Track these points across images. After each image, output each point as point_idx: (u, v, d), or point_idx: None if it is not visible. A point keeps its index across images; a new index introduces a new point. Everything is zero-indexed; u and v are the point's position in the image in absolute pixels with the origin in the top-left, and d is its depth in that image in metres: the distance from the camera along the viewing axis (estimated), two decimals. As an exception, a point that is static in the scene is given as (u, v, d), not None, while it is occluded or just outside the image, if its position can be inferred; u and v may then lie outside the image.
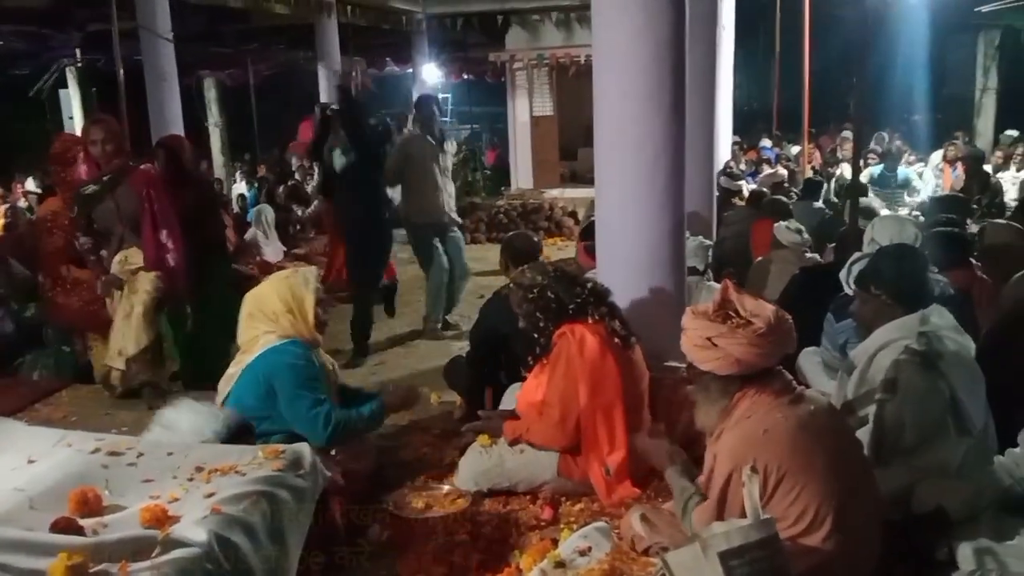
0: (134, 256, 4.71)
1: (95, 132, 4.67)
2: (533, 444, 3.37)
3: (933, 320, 2.87)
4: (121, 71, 6.99)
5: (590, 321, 3.33)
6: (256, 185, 12.59)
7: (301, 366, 3.25)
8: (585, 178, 12.58)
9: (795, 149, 13.32)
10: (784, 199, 6.89)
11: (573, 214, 10.93)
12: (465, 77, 19.18)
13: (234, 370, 3.35)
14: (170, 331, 5.01)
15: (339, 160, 5.78)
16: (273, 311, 3.33)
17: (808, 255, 5.39)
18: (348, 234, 6.18)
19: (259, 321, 3.35)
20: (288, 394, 3.21)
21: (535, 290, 3.38)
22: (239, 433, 3.03)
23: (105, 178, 4.67)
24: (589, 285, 3.46)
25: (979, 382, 2.83)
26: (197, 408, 3.07)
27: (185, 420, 3.00)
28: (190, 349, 5.08)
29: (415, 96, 9.81)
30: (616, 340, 3.34)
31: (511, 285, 3.54)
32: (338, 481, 2.94)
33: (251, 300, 3.42)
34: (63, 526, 2.08)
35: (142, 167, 4.78)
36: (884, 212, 7.20)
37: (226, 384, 3.35)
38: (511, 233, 5.28)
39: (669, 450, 2.77)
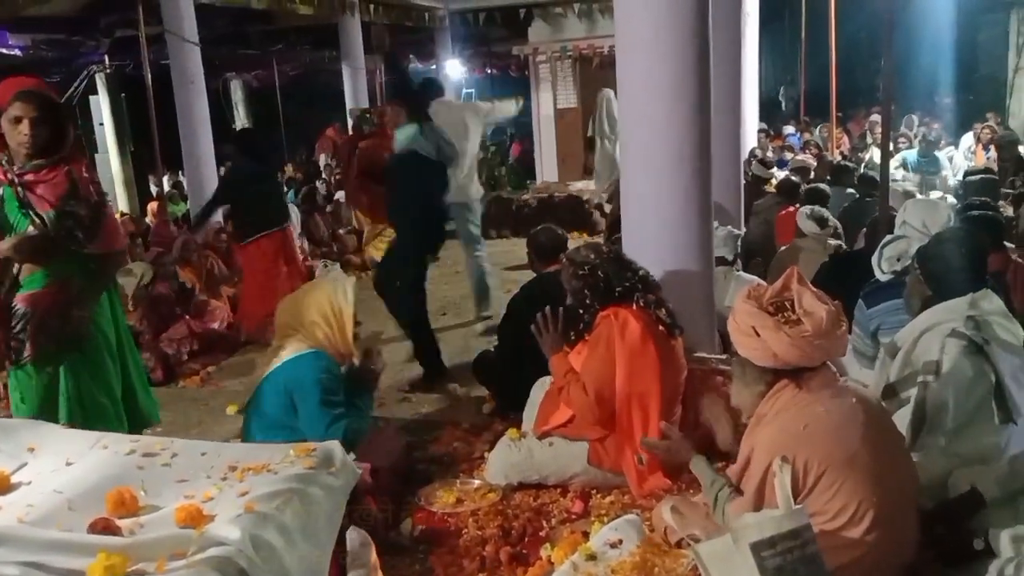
0: None
1: None
2: (565, 434, 3.37)
3: (982, 305, 2.82)
4: (149, 76, 7.07)
5: (635, 307, 3.33)
6: (285, 187, 12.67)
7: (323, 380, 3.19)
8: (611, 170, 12.50)
9: (823, 134, 13.13)
10: (822, 187, 6.74)
11: (599, 207, 10.86)
12: (488, 71, 19.15)
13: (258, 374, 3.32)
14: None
15: None
16: (310, 321, 3.27)
17: (833, 242, 5.30)
18: None
19: (292, 331, 3.30)
20: (309, 411, 3.17)
21: (586, 268, 3.39)
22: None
23: None
24: (640, 272, 3.45)
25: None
26: None
27: None
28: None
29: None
30: (660, 329, 3.33)
31: (564, 260, 3.56)
32: (367, 481, 2.87)
33: (287, 308, 3.37)
34: (101, 527, 2.10)
35: None
36: (917, 196, 7.07)
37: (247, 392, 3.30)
38: (537, 228, 5.24)
39: (688, 442, 2.75)
